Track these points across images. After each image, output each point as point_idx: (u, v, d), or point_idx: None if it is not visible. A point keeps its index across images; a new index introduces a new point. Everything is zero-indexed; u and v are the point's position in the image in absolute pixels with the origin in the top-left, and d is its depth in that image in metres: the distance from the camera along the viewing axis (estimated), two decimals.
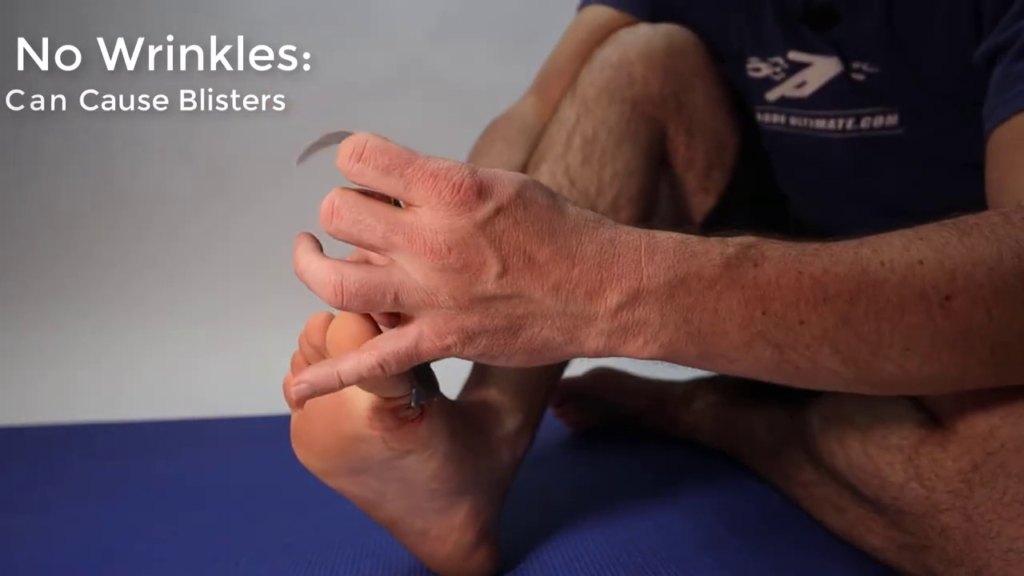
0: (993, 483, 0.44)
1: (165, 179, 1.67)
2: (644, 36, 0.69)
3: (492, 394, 0.59)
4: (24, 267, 1.70)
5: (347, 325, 0.38)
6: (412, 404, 0.42)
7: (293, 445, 0.47)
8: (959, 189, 0.59)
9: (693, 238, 0.38)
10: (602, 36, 0.74)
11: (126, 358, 1.46)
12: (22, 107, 1.69)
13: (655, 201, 0.67)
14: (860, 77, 0.61)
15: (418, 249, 0.34)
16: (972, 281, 0.37)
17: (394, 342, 0.36)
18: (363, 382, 0.37)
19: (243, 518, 0.71)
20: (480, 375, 0.61)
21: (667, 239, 0.37)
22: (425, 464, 0.46)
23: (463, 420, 0.52)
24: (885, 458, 0.51)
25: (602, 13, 0.79)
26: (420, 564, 0.59)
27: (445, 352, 0.36)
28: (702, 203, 0.77)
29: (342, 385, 0.36)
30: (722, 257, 0.37)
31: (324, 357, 0.41)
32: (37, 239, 1.71)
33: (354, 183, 0.38)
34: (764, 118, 0.72)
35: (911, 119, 0.61)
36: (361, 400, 0.42)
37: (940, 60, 0.56)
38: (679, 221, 0.78)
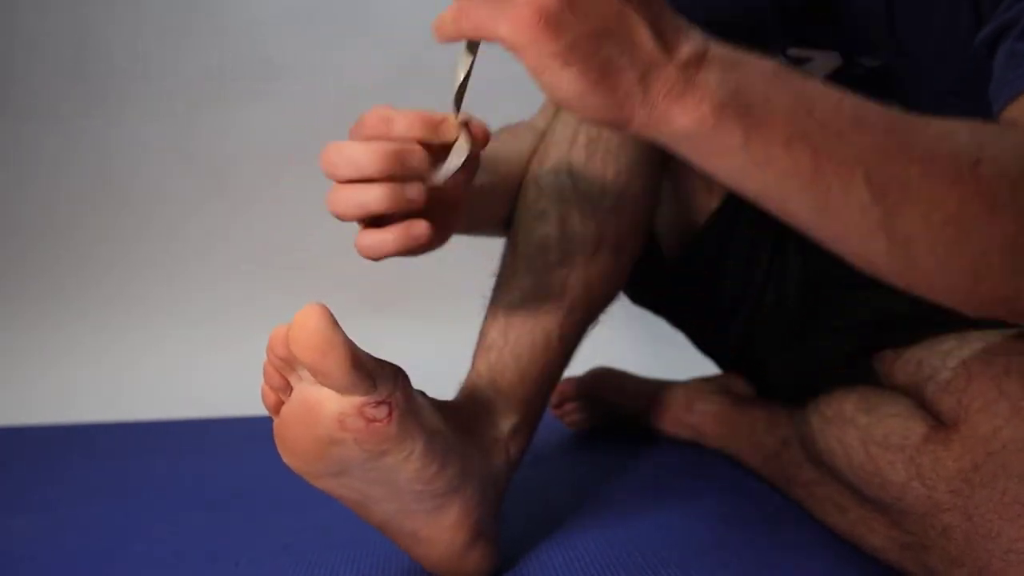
0: (994, 483, 0.44)
1: (165, 179, 1.67)
2: None
3: (486, 395, 0.59)
4: (24, 267, 1.70)
5: (308, 320, 0.40)
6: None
7: (278, 449, 0.47)
8: None
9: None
10: None
11: (126, 358, 1.46)
12: (22, 107, 1.69)
13: (658, 200, 0.68)
14: (861, 71, 0.62)
15: None
16: (1001, 156, 0.37)
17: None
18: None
19: (243, 518, 0.71)
20: (475, 377, 0.61)
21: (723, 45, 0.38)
22: (403, 464, 0.46)
23: (449, 420, 0.52)
24: (886, 457, 0.51)
25: None
26: (418, 564, 0.59)
27: (526, 23, 0.34)
28: (706, 202, 0.78)
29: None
30: (775, 66, 0.38)
31: (292, 367, 0.43)
32: (37, 239, 1.70)
33: None
34: None
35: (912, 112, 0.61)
36: (330, 403, 0.42)
37: (941, 52, 0.56)
38: (683, 220, 0.79)
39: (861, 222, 0.37)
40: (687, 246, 0.80)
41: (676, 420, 0.86)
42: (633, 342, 1.22)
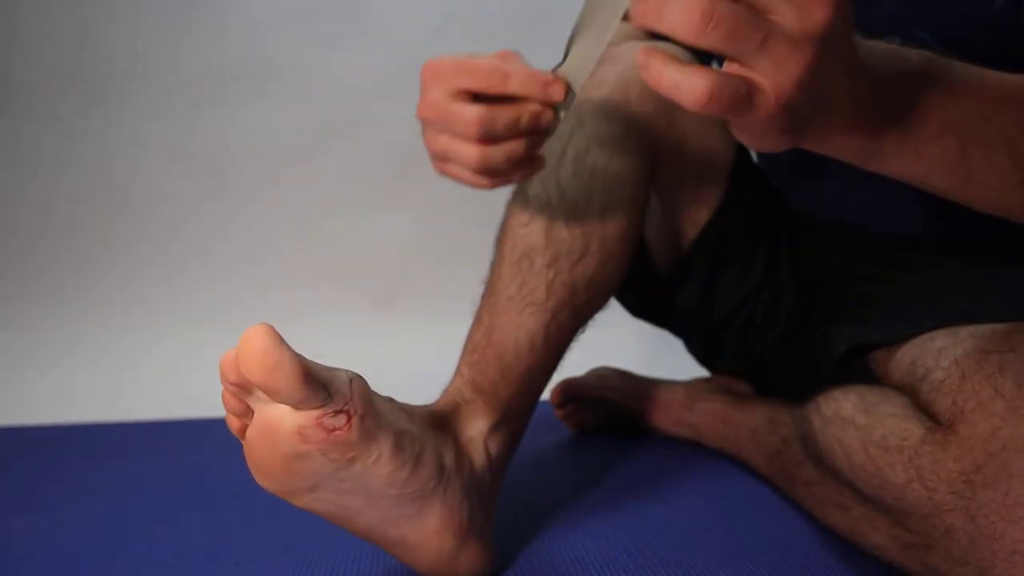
0: (996, 485, 0.44)
1: (165, 179, 1.67)
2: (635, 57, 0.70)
3: (466, 395, 0.59)
4: (24, 267, 1.70)
5: (253, 341, 0.40)
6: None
7: (252, 473, 0.47)
8: None
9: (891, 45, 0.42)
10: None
11: (126, 358, 1.46)
12: (22, 107, 1.69)
13: (644, 212, 0.69)
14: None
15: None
16: None
17: (733, 79, 0.35)
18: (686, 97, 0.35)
19: (243, 518, 0.71)
20: (456, 379, 0.61)
21: (876, 42, 0.41)
22: (373, 470, 0.46)
23: (420, 422, 0.52)
24: (886, 459, 0.51)
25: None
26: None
27: (781, 106, 0.36)
28: (696, 214, 0.78)
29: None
30: (921, 56, 0.42)
31: (248, 390, 0.43)
32: (37, 239, 1.71)
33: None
34: None
35: None
36: (288, 419, 0.43)
37: (963, 21, 0.55)
38: (674, 232, 0.80)
39: (1000, 185, 0.43)
40: (680, 259, 0.81)
41: (677, 420, 0.86)
42: (633, 342, 1.22)
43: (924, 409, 0.51)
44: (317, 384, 0.42)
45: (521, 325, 0.61)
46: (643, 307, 0.87)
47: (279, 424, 0.43)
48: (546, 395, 0.95)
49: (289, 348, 0.41)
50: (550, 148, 0.64)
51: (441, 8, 1.62)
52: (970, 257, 0.69)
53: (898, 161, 0.42)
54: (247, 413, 0.45)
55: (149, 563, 0.62)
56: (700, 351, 0.91)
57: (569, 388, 0.93)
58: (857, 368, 0.64)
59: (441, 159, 0.54)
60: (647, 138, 0.68)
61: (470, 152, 0.51)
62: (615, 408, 0.92)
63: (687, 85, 0.34)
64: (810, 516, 0.63)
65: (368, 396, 0.45)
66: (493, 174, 0.52)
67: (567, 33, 0.64)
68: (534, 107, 0.49)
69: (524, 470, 0.81)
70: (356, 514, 0.49)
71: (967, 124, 0.42)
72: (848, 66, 0.37)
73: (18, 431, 1.06)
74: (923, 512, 0.47)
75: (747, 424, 0.76)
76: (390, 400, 0.50)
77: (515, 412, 0.61)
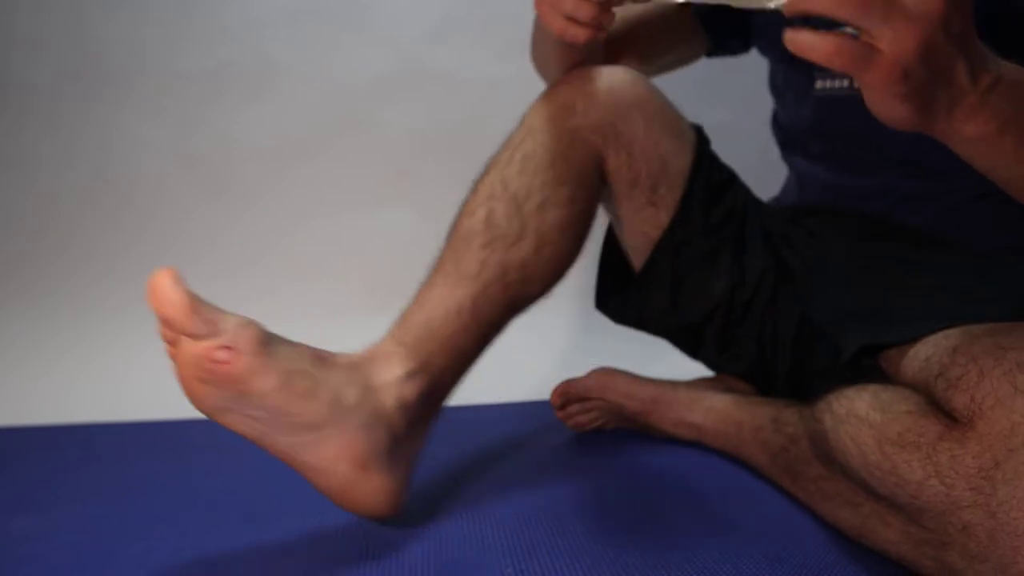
0: (1017, 480, 0.44)
1: (165, 179, 1.67)
2: (587, 77, 0.78)
3: (387, 348, 0.66)
4: (24, 267, 1.70)
5: (157, 280, 0.51)
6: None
7: (186, 396, 0.56)
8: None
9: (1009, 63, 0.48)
10: (650, 16, 0.82)
11: (126, 358, 1.46)
12: (21, 107, 1.69)
13: (586, 210, 0.76)
14: None
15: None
16: None
17: (853, 44, 0.43)
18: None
19: (242, 519, 0.71)
20: (384, 337, 0.68)
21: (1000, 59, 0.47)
22: (263, 400, 0.54)
23: (325, 363, 0.59)
24: (902, 456, 0.51)
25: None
26: (422, 566, 0.59)
27: (890, 75, 0.43)
28: (654, 216, 0.83)
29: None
30: None
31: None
32: (37, 239, 1.71)
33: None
34: (827, 84, 0.75)
35: None
36: (189, 349, 0.52)
37: (993, 15, 0.56)
38: (634, 236, 0.85)
39: None
40: (644, 265, 0.85)
41: (678, 420, 0.86)
42: (633, 342, 1.22)
43: (940, 406, 0.51)
44: (203, 319, 0.51)
45: (451, 296, 0.69)
46: (624, 312, 0.90)
47: (186, 353, 0.52)
48: (546, 396, 0.95)
49: (184, 287, 0.51)
50: (501, 155, 0.75)
51: (441, 8, 1.62)
52: (980, 255, 0.69)
53: (1008, 157, 0.48)
54: (176, 345, 0.54)
55: (149, 563, 0.62)
56: (687, 350, 0.92)
57: (569, 389, 0.93)
58: (867, 366, 0.64)
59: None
60: (590, 145, 0.76)
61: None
62: (616, 408, 0.92)
63: (819, 43, 0.43)
64: (814, 514, 0.63)
65: (259, 338, 0.54)
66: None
67: None
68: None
69: (523, 470, 0.81)
70: (269, 436, 0.57)
71: None
72: (967, 55, 0.44)
73: (18, 431, 1.06)
74: (940, 509, 0.48)
75: (750, 423, 0.76)
76: (296, 345, 0.58)
77: (436, 367, 0.66)
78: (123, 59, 1.65)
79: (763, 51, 0.89)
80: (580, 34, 0.62)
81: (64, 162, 1.69)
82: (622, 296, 0.88)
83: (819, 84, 0.76)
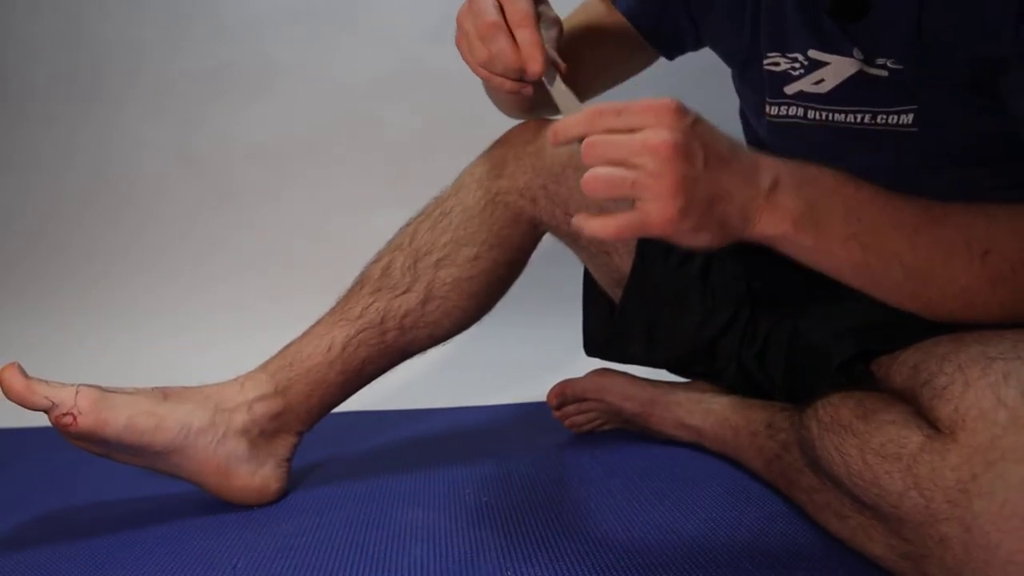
0: (992, 495, 0.43)
1: (165, 179, 1.67)
2: (525, 137, 0.81)
3: (253, 372, 0.76)
4: (23, 267, 1.70)
5: (4, 377, 0.65)
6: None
7: None
8: (956, 183, 0.59)
9: (807, 163, 0.53)
10: (595, 31, 0.80)
11: (126, 358, 1.46)
12: (20, 107, 1.69)
13: (492, 271, 0.79)
14: (883, 73, 0.61)
15: (652, 150, 0.48)
16: (1008, 244, 0.51)
17: (629, 216, 0.49)
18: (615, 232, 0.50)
19: (241, 520, 0.71)
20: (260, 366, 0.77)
21: (787, 161, 0.53)
22: (121, 440, 0.67)
23: (171, 402, 0.70)
24: (884, 466, 0.51)
25: (603, 11, 0.81)
26: (421, 566, 0.59)
27: (667, 224, 0.49)
28: (611, 264, 0.85)
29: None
30: (834, 175, 0.53)
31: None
32: (37, 239, 1.71)
33: (591, 128, 0.51)
34: (780, 111, 0.73)
35: (927, 116, 0.61)
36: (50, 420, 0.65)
37: (966, 56, 0.55)
38: (602, 280, 0.88)
39: (896, 291, 0.54)
40: (618, 308, 0.86)
41: (677, 422, 0.86)
42: None
43: (925, 415, 0.51)
44: (42, 396, 0.65)
45: (328, 333, 0.77)
46: (610, 352, 0.90)
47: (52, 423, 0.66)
48: (544, 396, 0.95)
49: (22, 377, 0.65)
50: (428, 206, 0.81)
51: (441, 8, 1.62)
52: None
53: (815, 253, 0.53)
54: None
55: (149, 563, 0.62)
56: (682, 376, 0.92)
57: (567, 389, 0.93)
58: (858, 371, 0.64)
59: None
60: (514, 208, 0.79)
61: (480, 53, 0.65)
62: (614, 410, 0.92)
63: (606, 226, 0.49)
64: (811, 521, 0.63)
65: (94, 398, 0.66)
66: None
67: None
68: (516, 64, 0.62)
69: (523, 471, 0.81)
70: (149, 464, 0.71)
71: (867, 236, 0.52)
72: (732, 170, 0.50)
73: (18, 431, 1.06)
74: (918, 521, 0.47)
75: (746, 428, 0.76)
76: (137, 392, 0.70)
77: (294, 392, 0.75)
78: (122, 59, 1.65)
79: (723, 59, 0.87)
80: (504, 84, 0.64)
81: (63, 162, 1.69)
82: (607, 337, 0.88)
83: (769, 110, 0.75)
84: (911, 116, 0.62)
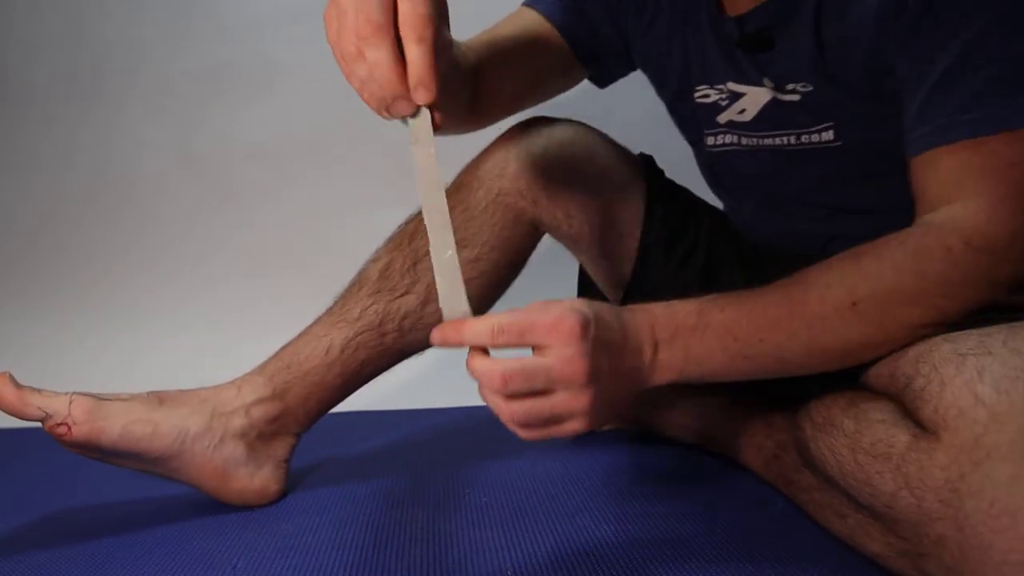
0: (981, 494, 0.43)
1: (165, 179, 1.67)
2: (526, 137, 0.80)
3: (249, 375, 0.76)
4: (23, 268, 1.70)
5: None
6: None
7: None
8: (891, 188, 0.60)
9: (676, 302, 0.57)
10: (529, 44, 0.80)
11: (126, 358, 1.46)
12: (20, 108, 1.69)
13: (492, 271, 0.79)
14: (796, 97, 0.66)
15: (561, 373, 0.50)
16: (869, 289, 0.54)
17: (556, 430, 0.53)
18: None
19: (240, 521, 0.71)
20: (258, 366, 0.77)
21: (659, 308, 0.56)
22: (117, 447, 0.67)
23: (167, 407, 0.71)
24: (875, 466, 0.50)
25: (536, 21, 0.81)
26: (421, 566, 0.59)
27: (588, 428, 0.53)
28: (612, 267, 0.85)
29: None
30: (699, 310, 0.56)
31: None
32: (37, 239, 1.71)
33: (492, 345, 0.52)
34: (717, 139, 0.76)
35: (844, 130, 0.66)
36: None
37: (863, 63, 0.60)
38: (601, 283, 0.88)
39: (806, 368, 0.57)
40: (622, 303, 0.84)
41: (678, 422, 0.86)
42: None
43: (911, 416, 0.51)
44: (33, 409, 0.65)
45: (326, 335, 0.76)
46: None
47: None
48: None
49: (14, 387, 0.65)
50: (422, 211, 0.76)
51: None
52: None
53: (715, 379, 0.58)
54: None
55: (148, 564, 0.63)
56: None
57: None
58: (853, 374, 0.64)
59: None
60: (515, 209, 0.79)
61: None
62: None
63: (529, 434, 0.52)
64: (812, 520, 0.63)
65: (88, 407, 0.66)
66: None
67: None
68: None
69: (522, 471, 0.81)
70: (149, 469, 0.71)
71: (749, 349, 0.55)
72: (622, 356, 0.53)
73: (18, 431, 1.06)
74: (913, 520, 0.47)
75: (746, 428, 0.76)
76: (132, 398, 0.70)
77: (292, 395, 0.75)
78: (122, 59, 1.65)
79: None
80: (369, 100, 0.59)
81: (63, 162, 1.69)
82: None
83: (707, 140, 0.76)
84: (831, 132, 0.66)
